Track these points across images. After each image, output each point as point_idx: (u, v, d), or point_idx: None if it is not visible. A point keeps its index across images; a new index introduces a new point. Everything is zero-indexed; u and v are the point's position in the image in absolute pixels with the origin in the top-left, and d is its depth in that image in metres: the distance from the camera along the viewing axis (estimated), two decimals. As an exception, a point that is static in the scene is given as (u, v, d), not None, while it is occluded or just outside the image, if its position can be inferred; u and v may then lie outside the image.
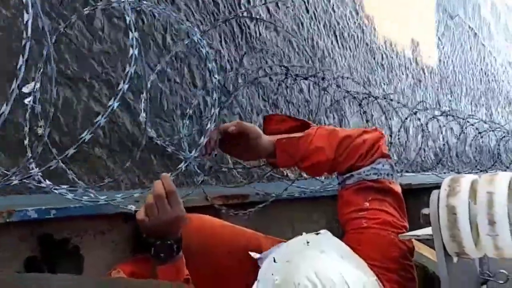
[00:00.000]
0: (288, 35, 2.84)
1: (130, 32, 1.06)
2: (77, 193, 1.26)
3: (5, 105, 0.83)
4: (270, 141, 1.27)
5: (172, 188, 1.13)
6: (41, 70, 1.34)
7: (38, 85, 1.27)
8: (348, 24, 3.70)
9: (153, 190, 1.12)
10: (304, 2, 3.18)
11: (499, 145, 4.85)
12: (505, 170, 4.14)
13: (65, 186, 1.26)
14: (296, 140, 1.26)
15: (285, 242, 1.06)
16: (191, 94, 2.22)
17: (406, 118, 3.36)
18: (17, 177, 0.99)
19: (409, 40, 4.74)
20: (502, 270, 1.12)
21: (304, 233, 1.01)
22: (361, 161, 1.21)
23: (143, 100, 1.81)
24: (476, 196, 0.93)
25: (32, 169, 1.10)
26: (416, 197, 1.99)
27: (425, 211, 1.01)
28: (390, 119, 3.31)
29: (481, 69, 6.50)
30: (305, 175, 2.39)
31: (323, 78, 2.58)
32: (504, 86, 7.23)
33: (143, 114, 1.80)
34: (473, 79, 6.15)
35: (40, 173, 1.19)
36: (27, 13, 0.81)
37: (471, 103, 5.97)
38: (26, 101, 1.27)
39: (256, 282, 0.91)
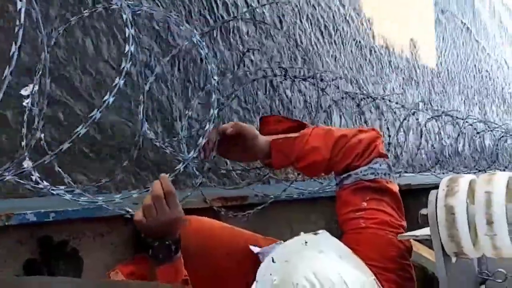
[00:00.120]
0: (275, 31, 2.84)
1: (126, 29, 1.06)
2: (75, 194, 1.25)
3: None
4: (266, 142, 1.27)
5: (170, 189, 1.13)
6: (40, 72, 1.35)
7: (36, 87, 1.27)
8: (337, 21, 3.71)
9: (152, 190, 1.12)
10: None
11: (497, 145, 4.86)
12: (503, 170, 4.15)
13: (62, 187, 1.26)
14: (291, 140, 1.26)
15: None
16: (190, 96, 2.22)
17: (405, 119, 3.37)
18: (10, 172, 0.98)
19: (399, 36, 4.72)
20: (500, 269, 1.12)
21: (302, 233, 1.01)
22: (357, 160, 1.21)
23: (141, 101, 1.81)
24: (474, 196, 0.93)
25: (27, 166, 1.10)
26: (415, 198, 1.99)
27: (423, 211, 1.01)
28: (392, 120, 3.32)
29: (475, 65, 6.46)
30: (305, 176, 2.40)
31: (321, 80, 2.59)
32: (499, 84, 7.18)
33: (140, 115, 1.80)
34: (466, 77, 6.12)
35: (38, 175, 1.19)
36: (20, 1, 0.81)
37: (464, 102, 5.96)
38: (24, 103, 1.27)
39: (254, 283, 0.91)
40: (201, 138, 1.22)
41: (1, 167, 1.24)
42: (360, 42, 3.99)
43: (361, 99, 2.85)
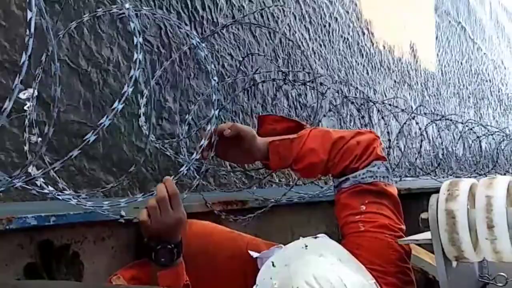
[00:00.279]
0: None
1: (134, 37, 1.07)
2: (81, 199, 1.26)
3: (7, 101, 0.82)
4: (263, 143, 1.27)
5: (174, 191, 1.14)
6: (39, 77, 1.35)
7: (36, 92, 1.28)
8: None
9: (156, 192, 1.14)
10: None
11: (497, 149, 4.86)
12: (504, 174, 4.14)
13: (68, 192, 1.26)
14: (289, 141, 1.26)
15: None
16: (191, 98, 2.23)
17: (405, 123, 3.37)
18: (20, 179, 0.99)
19: (394, 38, 4.70)
20: (501, 273, 1.12)
21: (301, 237, 1.01)
22: (355, 163, 1.21)
23: (142, 104, 1.82)
24: (475, 200, 0.93)
25: (34, 172, 1.10)
26: (415, 202, 1.99)
27: (424, 215, 1.01)
28: (392, 123, 3.31)
29: (470, 66, 6.42)
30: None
31: (321, 83, 2.59)
32: (495, 86, 7.12)
33: (142, 118, 1.80)
34: (459, 78, 6.08)
35: (42, 179, 1.19)
36: (30, 10, 0.82)
37: (460, 104, 5.93)
38: (26, 107, 1.27)
39: (254, 287, 0.91)
40: (202, 140, 1.22)
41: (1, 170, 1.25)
42: (360, 44, 3.99)
43: (361, 104, 2.86)
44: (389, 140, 2.85)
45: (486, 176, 1.04)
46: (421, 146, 3.53)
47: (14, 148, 1.54)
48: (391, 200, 1.20)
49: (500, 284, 1.12)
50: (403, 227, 1.18)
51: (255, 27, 2.69)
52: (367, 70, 4.11)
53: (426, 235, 1.03)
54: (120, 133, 1.89)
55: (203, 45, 1.39)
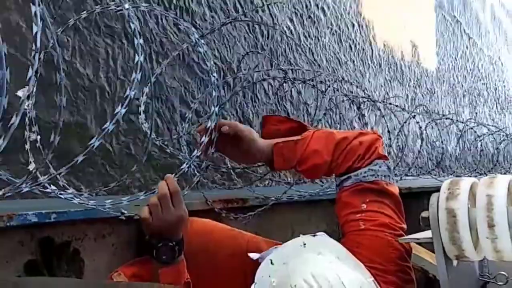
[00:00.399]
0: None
1: (135, 39, 1.06)
2: (83, 198, 1.26)
3: (14, 116, 0.82)
4: (267, 145, 1.27)
5: (176, 188, 1.15)
6: (38, 75, 1.34)
7: (34, 89, 1.27)
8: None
9: (158, 190, 1.14)
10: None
11: (498, 148, 4.85)
12: (505, 173, 4.12)
13: (70, 191, 1.26)
14: (293, 143, 1.26)
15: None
16: (191, 97, 2.23)
17: (405, 122, 3.36)
18: (27, 184, 0.99)
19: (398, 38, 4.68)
20: (502, 272, 1.13)
21: (301, 235, 1.01)
22: (358, 162, 1.21)
23: (142, 102, 1.81)
24: (475, 199, 0.93)
25: (38, 176, 1.10)
26: (416, 201, 1.99)
27: (424, 214, 1.01)
28: (393, 122, 3.31)
29: (466, 63, 6.39)
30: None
31: (321, 82, 2.59)
32: (492, 84, 7.08)
33: (142, 115, 1.80)
34: (456, 76, 6.05)
35: (46, 179, 1.19)
36: (36, 25, 0.81)
37: (454, 103, 5.91)
38: (25, 105, 1.27)
39: (253, 284, 0.91)
40: (203, 137, 1.22)
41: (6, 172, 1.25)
42: (359, 44, 3.98)
43: (362, 102, 2.85)
44: (389, 139, 2.85)
45: (486, 175, 1.04)
46: (421, 146, 3.53)
47: (13, 147, 1.54)
48: (392, 199, 1.20)
49: (501, 283, 1.12)
50: (404, 226, 1.18)
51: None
52: (364, 68, 4.11)
53: (427, 234, 1.03)
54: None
55: (202, 41, 1.38)
